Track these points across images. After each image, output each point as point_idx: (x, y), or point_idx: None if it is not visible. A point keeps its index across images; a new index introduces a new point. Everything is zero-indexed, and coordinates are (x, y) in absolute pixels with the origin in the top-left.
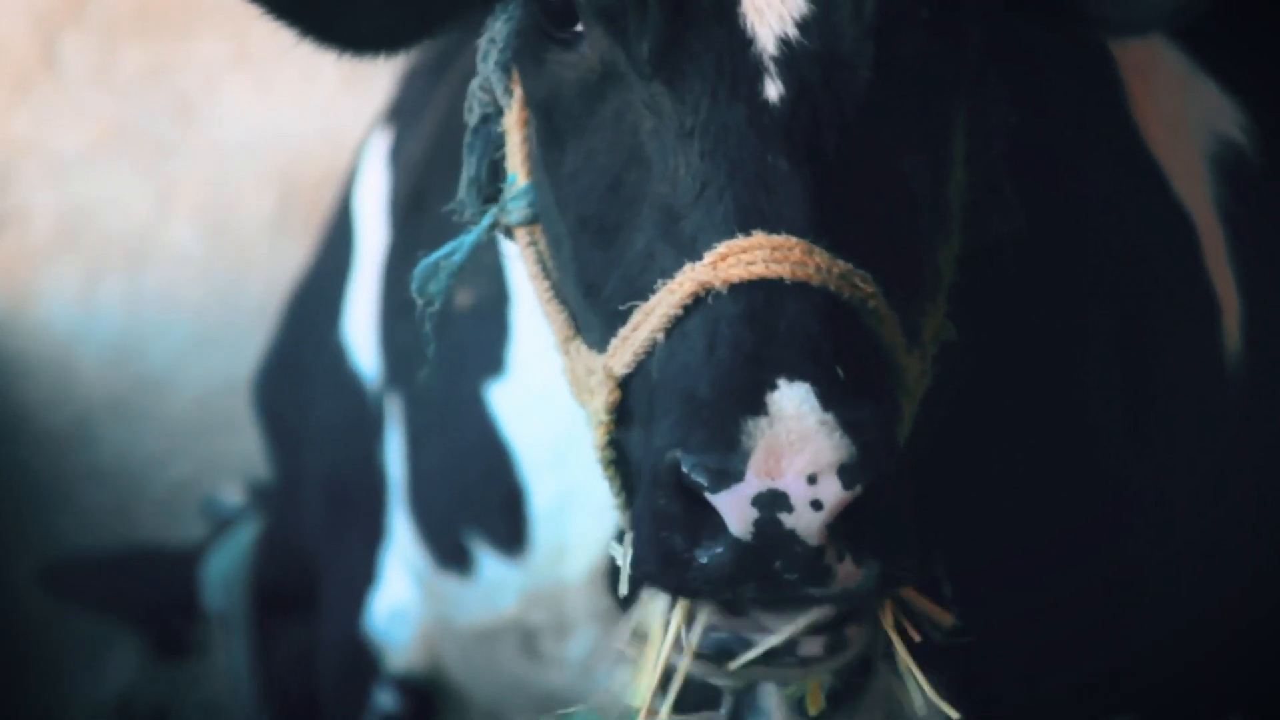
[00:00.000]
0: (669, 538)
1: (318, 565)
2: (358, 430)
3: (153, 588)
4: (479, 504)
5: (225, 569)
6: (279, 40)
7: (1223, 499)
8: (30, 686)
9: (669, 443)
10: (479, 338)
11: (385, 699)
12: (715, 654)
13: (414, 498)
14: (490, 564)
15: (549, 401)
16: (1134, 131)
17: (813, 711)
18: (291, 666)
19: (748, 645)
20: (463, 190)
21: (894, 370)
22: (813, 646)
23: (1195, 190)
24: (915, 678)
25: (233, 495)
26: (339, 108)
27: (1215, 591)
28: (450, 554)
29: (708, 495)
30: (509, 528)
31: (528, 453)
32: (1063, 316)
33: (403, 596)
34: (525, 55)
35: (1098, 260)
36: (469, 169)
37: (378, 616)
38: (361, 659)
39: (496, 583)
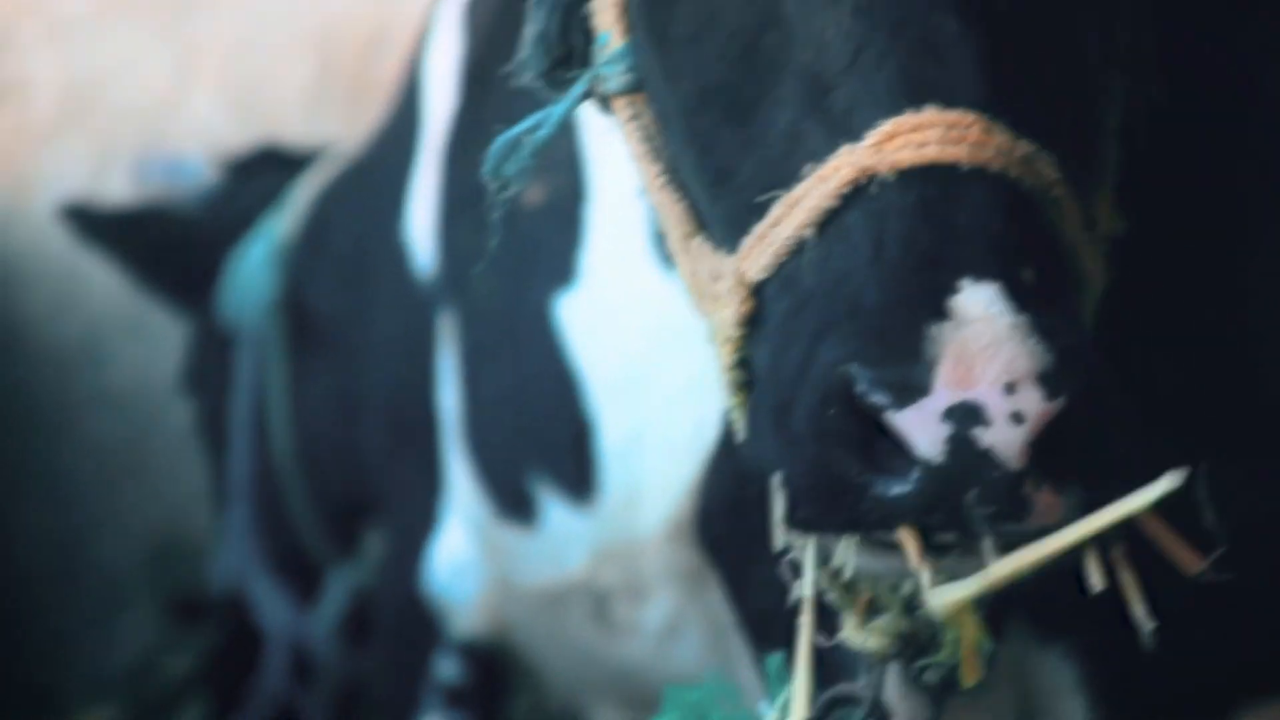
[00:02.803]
0: (840, 462)
1: (379, 502)
2: (422, 348)
3: (177, 253)
4: (544, 440)
5: (250, 280)
6: None
7: None
8: (32, 660)
9: (838, 358)
10: (548, 240)
11: (448, 668)
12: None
13: (470, 433)
14: (557, 513)
15: (623, 317)
16: None
17: (970, 682)
18: (326, 413)
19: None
20: (527, 48)
21: (1077, 270)
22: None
23: None
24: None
25: (196, 162)
26: None
27: None
28: (512, 501)
29: (890, 415)
30: (577, 469)
31: (598, 379)
32: (1221, 214)
33: (463, 549)
34: None
35: (1260, 149)
36: (536, 22)
37: (438, 570)
38: (420, 621)
39: (564, 536)
